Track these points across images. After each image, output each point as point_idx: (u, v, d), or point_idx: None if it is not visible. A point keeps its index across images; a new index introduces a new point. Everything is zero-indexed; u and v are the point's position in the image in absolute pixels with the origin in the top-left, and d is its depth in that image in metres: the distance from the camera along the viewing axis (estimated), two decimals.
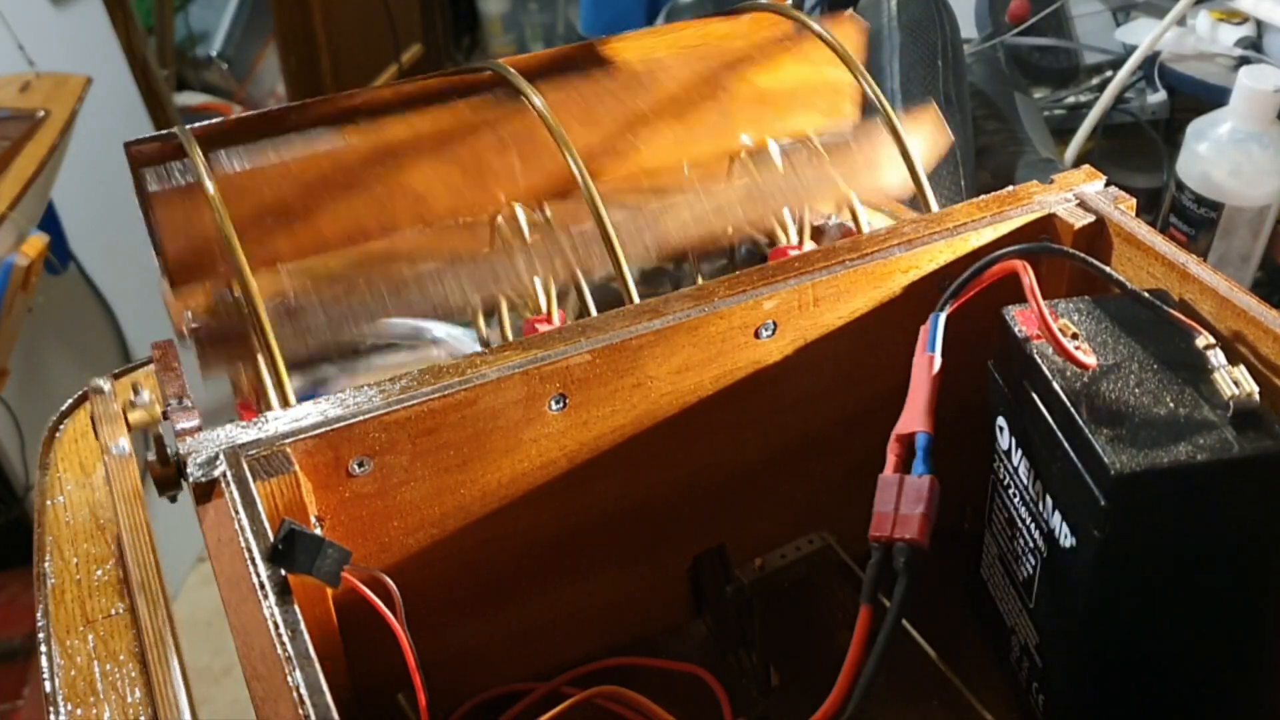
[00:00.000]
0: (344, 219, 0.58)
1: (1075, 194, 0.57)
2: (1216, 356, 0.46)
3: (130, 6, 1.90)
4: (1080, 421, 0.44)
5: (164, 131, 0.59)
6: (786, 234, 0.65)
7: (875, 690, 0.41)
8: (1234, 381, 0.44)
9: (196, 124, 0.59)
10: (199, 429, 0.46)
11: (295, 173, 0.58)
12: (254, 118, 0.61)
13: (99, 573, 0.45)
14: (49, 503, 0.49)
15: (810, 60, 0.66)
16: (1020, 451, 0.51)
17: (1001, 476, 0.53)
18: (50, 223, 1.43)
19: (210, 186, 0.53)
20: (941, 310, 0.50)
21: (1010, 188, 0.58)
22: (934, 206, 0.60)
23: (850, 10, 0.70)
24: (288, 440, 0.45)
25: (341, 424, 0.46)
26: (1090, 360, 0.47)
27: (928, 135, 0.65)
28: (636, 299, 0.55)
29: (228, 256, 0.52)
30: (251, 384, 0.54)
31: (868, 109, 0.65)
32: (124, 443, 0.49)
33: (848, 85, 0.65)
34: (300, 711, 0.36)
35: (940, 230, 0.55)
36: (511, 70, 0.62)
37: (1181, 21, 1.07)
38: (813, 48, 0.66)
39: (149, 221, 0.55)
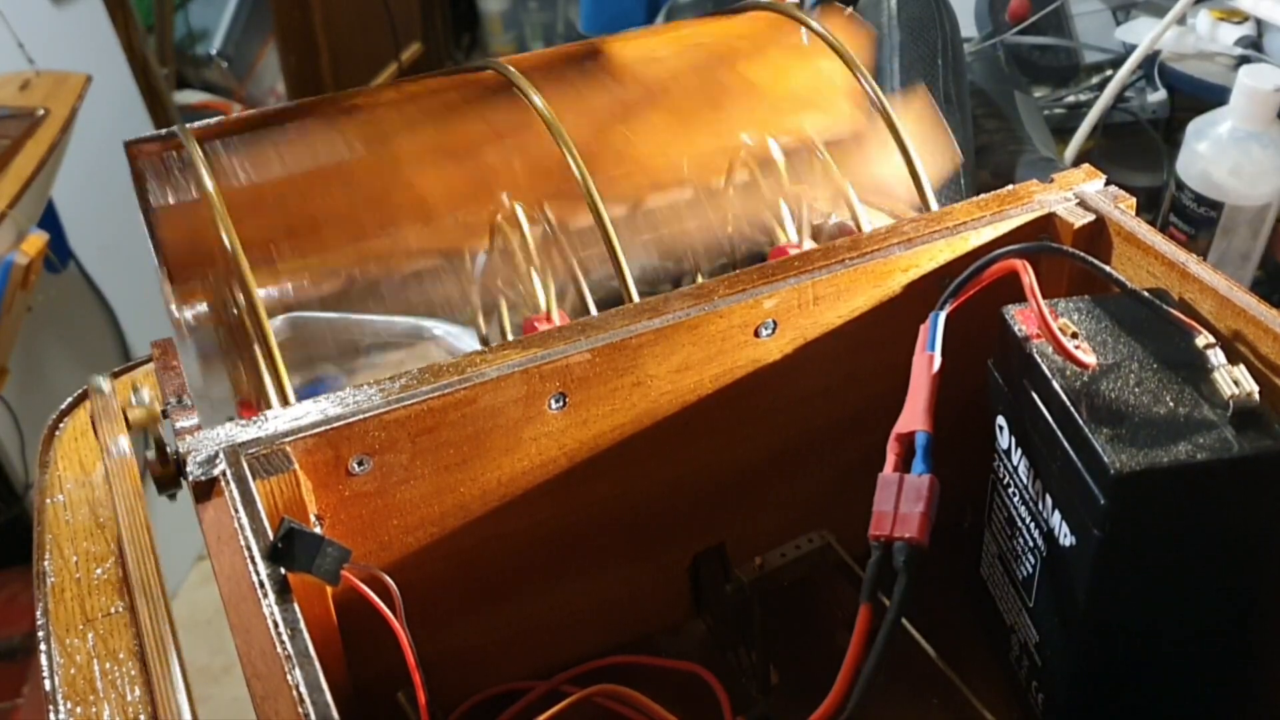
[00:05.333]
0: (342, 217, 0.58)
1: (1075, 193, 0.57)
2: (1216, 356, 0.46)
3: (130, 5, 1.90)
4: (1080, 421, 0.44)
5: (164, 131, 0.59)
6: (785, 232, 0.65)
7: (875, 689, 0.41)
8: (1234, 381, 0.44)
9: (196, 123, 0.59)
10: (198, 427, 0.46)
11: (293, 171, 0.58)
12: (253, 116, 0.61)
13: (99, 571, 0.45)
14: (49, 501, 0.49)
15: (809, 58, 0.66)
16: (1020, 451, 0.51)
17: (1001, 476, 0.53)
18: (50, 221, 1.43)
19: (209, 184, 0.53)
20: (941, 309, 0.50)
21: (1010, 187, 0.58)
22: (934, 205, 0.60)
23: (850, 9, 0.70)
24: (287, 439, 0.45)
25: (341, 423, 0.46)
26: (1090, 360, 0.47)
27: (929, 138, 0.64)
28: (636, 298, 0.55)
29: (225, 256, 0.52)
30: (251, 385, 0.54)
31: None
32: (124, 441, 0.49)
33: (847, 83, 0.65)
34: (300, 710, 0.36)
35: (940, 229, 0.55)
36: (511, 69, 0.62)
37: (1181, 21, 1.07)
38: (812, 46, 0.66)
39: (147, 218, 0.55)
